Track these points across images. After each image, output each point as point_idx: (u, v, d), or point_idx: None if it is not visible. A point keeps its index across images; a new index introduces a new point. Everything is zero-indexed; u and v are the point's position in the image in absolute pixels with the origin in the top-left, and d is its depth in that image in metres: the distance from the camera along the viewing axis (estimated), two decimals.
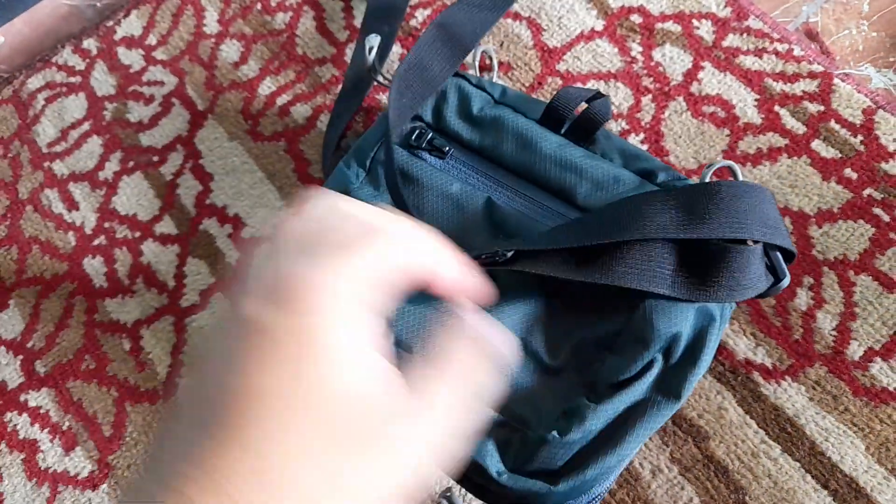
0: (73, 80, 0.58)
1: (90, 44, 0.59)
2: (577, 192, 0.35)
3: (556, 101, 0.37)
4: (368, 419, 0.18)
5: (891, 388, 0.39)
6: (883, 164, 0.44)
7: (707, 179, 0.35)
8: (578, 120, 0.37)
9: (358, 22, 0.54)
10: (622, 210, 0.32)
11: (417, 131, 0.38)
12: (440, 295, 0.23)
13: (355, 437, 0.18)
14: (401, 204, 0.36)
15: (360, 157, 0.39)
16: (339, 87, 0.52)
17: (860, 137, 0.45)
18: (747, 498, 0.38)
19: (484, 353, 0.21)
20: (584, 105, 0.37)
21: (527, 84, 0.50)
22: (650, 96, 0.48)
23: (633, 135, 0.47)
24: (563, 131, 0.37)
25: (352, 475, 0.18)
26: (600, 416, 0.30)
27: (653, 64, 0.49)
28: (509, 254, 0.32)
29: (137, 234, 0.51)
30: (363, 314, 0.18)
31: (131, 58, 0.58)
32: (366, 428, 0.18)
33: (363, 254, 0.19)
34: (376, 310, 0.19)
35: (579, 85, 0.49)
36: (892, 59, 0.48)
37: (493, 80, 0.41)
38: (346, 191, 0.38)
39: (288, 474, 0.17)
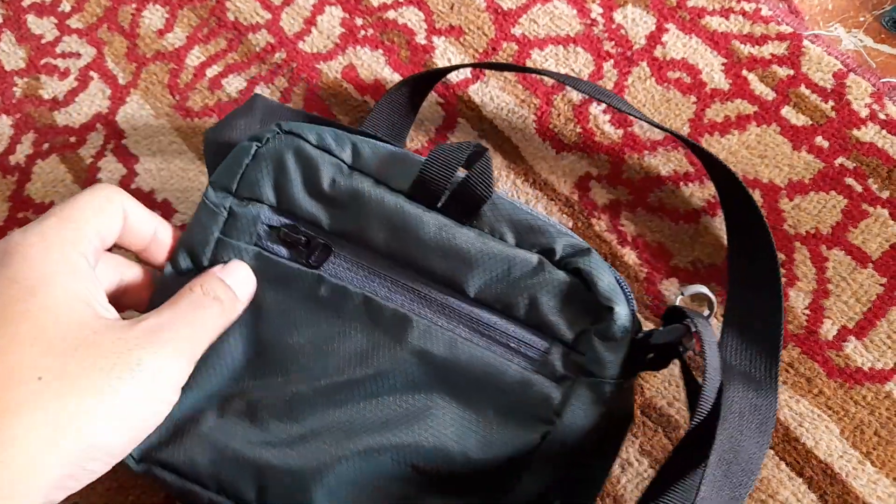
0: None
1: None
2: (468, 284, 0.30)
3: (427, 171, 0.31)
4: (77, 328, 0.25)
5: (865, 369, 0.37)
6: (855, 132, 0.42)
7: (678, 303, 0.32)
8: (456, 194, 0.31)
9: None
10: None
11: (264, 222, 0.32)
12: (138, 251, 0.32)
13: (65, 342, 0.24)
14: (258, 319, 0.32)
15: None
16: (276, 54, 0.48)
17: (831, 103, 0.42)
18: None
19: (211, 287, 0.29)
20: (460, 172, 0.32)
21: (480, 50, 0.46)
22: (612, 62, 0.45)
23: (594, 104, 0.44)
24: (439, 205, 0.31)
25: (69, 372, 0.24)
26: None
27: (614, 27, 0.46)
28: None
29: None
30: (67, 264, 0.26)
31: (43, 27, 0.52)
32: (74, 335, 0.24)
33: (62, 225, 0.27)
34: (80, 262, 0.27)
35: (536, 51, 0.46)
36: (861, 20, 0.46)
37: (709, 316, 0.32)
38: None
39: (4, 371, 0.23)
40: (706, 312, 0.32)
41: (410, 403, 0.31)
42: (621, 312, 0.29)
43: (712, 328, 0.29)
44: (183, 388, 0.28)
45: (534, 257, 0.30)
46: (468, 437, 0.30)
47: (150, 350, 0.26)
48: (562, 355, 0.30)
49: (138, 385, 0.25)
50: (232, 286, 0.30)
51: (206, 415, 0.31)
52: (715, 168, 0.38)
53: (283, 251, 0.32)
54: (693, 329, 0.29)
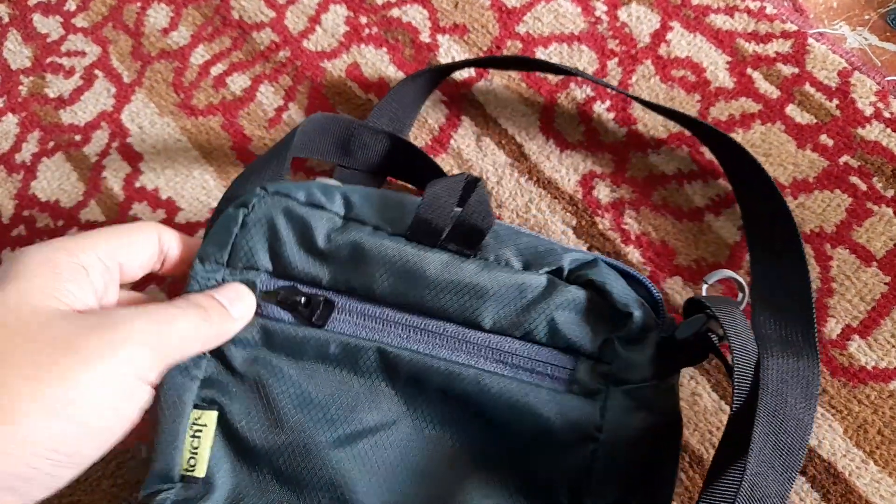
0: None
1: (1, 10, 0.53)
2: (483, 317, 0.30)
3: (424, 212, 0.30)
4: (27, 316, 0.24)
5: (869, 368, 0.37)
6: (860, 130, 0.41)
7: (704, 292, 0.31)
8: (457, 229, 0.30)
9: None
10: None
11: (261, 289, 0.31)
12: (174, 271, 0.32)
13: (6, 329, 0.24)
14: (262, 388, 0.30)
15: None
16: (281, 52, 0.48)
17: (836, 101, 0.42)
18: None
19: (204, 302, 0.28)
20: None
21: (484, 48, 0.46)
22: (616, 60, 0.45)
23: (598, 102, 0.44)
24: (440, 242, 0.31)
25: (55, 367, 0.23)
26: None
27: (618, 25, 0.46)
28: None
29: (61, 223, 0.46)
30: (45, 263, 0.26)
31: (48, 25, 0.52)
32: (20, 322, 0.24)
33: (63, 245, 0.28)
34: (62, 263, 0.26)
35: (540, 49, 0.46)
36: (866, 17, 0.45)
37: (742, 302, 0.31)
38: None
39: None
40: (739, 297, 0.32)
41: (446, 447, 0.30)
42: (639, 316, 0.29)
43: (738, 308, 0.29)
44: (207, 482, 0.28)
45: (543, 278, 0.30)
46: (514, 470, 0.30)
47: (98, 335, 0.24)
48: (589, 369, 0.30)
49: (80, 371, 0.23)
50: (221, 300, 0.29)
51: None
52: (724, 146, 0.38)
53: (284, 315, 0.31)
54: (713, 314, 0.29)
